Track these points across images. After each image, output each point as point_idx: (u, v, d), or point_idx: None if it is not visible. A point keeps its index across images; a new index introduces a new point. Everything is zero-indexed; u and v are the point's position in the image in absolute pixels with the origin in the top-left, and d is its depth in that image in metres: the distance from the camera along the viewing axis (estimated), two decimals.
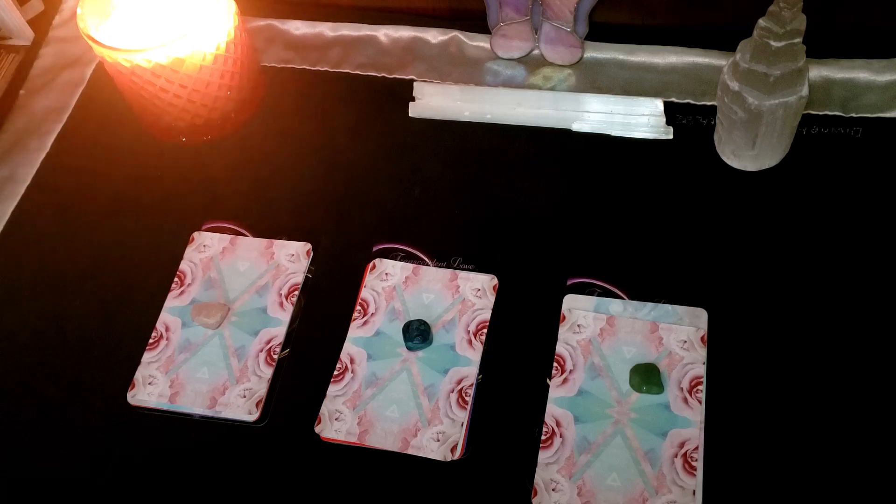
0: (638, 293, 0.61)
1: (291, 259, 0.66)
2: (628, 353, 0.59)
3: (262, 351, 0.61)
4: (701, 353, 0.58)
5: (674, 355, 0.58)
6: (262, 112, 0.75)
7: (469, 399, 0.58)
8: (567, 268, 0.63)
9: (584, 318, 0.60)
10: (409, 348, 0.60)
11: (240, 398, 0.60)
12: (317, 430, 0.58)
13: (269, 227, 0.68)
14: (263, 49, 0.80)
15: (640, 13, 0.76)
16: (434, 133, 0.72)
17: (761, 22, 0.58)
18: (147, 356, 0.62)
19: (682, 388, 0.57)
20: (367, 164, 0.71)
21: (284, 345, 0.62)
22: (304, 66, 0.78)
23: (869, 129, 0.68)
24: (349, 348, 0.61)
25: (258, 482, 0.57)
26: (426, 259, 0.65)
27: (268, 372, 0.61)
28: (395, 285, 0.64)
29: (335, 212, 0.69)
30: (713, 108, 0.69)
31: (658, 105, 0.70)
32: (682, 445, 0.55)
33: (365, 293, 0.63)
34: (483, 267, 0.64)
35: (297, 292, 0.64)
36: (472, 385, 0.59)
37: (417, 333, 0.59)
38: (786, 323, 0.59)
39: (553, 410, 0.57)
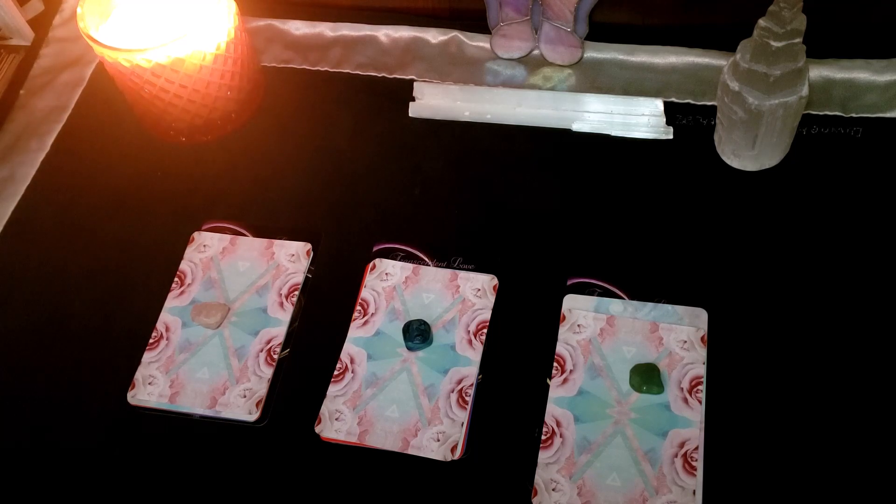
0: (638, 293, 0.61)
1: (291, 259, 0.66)
2: (628, 353, 0.59)
3: (262, 351, 0.61)
4: (701, 353, 0.58)
5: (674, 355, 0.58)
6: (262, 112, 0.75)
7: (469, 399, 0.58)
8: (567, 268, 0.63)
9: (584, 318, 0.60)
10: (409, 348, 0.60)
11: (240, 398, 0.60)
12: (317, 430, 0.58)
13: (269, 227, 0.68)
14: (263, 49, 0.80)
15: (640, 13, 0.76)
16: (434, 133, 0.72)
17: (761, 22, 0.58)
18: (147, 356, 0.62)
19: (682, 388, 0.57)
20: (367, 164, 0.71)
21: (284, 345, 0.62)
22: (304, 66, 0.78)
23: (869, 129, 0.68)
24: (349, 348, 0.61)
25: (258, 482, 0.57)
26: (426, 259, 0.65)
27: (268, 372, 0.61)
28: (395, 285, 0.64)
29: (335, 212, 0.69)
30: (713, 108, 0.69)
31: (658, 105, 0.70)
32: (682, 445, 0.55)
33: (365, 293, 0.63)
34: (483, 267, 0.64)
35: (297, 292, 0.64)
36: (472, 385, 0.59)
37: (417, 333, 0.59)
38: (786, 323, 0.59)
39: (553, 410, 0.57)
